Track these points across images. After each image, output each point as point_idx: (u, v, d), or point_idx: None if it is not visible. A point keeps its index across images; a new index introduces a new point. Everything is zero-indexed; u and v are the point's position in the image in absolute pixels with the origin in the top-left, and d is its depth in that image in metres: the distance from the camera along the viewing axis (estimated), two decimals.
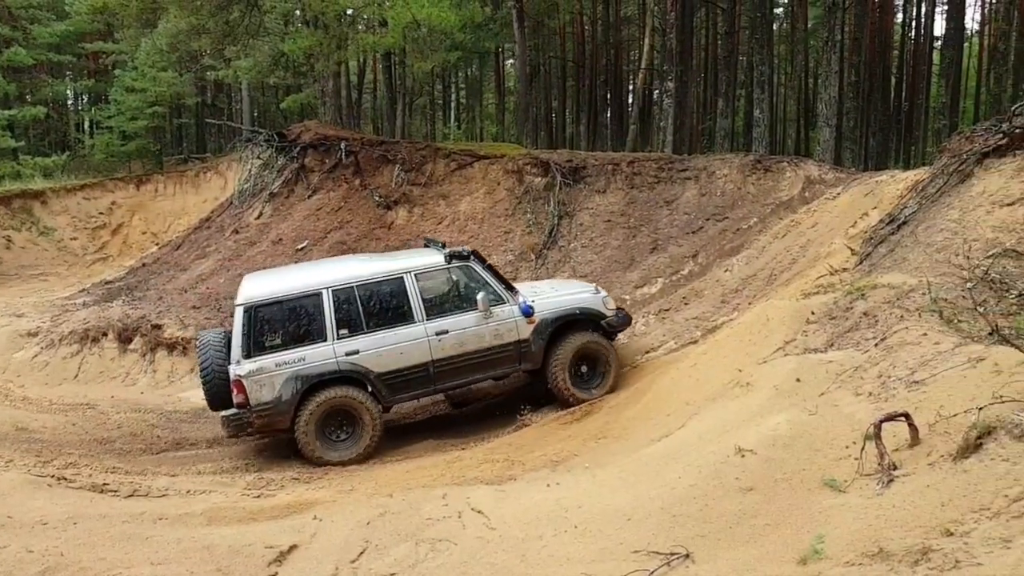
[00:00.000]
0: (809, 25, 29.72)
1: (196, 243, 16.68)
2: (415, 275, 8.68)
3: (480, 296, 8.71)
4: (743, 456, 5.00)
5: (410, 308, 8.56)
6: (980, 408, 4.12)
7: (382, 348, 8.43)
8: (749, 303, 10.36)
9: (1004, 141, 8.43)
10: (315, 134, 16.34)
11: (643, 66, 22.81)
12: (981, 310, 5.33)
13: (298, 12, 18.66)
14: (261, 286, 8.55)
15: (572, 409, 8.95)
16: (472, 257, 8.99)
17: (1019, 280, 6.86)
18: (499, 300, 8.95)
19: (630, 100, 29.36)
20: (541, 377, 9.27)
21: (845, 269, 8.85)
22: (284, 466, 8.37)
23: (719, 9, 25.03)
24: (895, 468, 4.33)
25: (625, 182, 15.12)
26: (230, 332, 8.45)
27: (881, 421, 4.54)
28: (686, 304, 11.74)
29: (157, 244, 19.34)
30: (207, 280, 14.51)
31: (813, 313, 7.40)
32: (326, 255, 13.90)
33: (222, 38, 17.99)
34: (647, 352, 10.41)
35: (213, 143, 30.56)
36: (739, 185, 14.57)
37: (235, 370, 8.12)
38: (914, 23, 30.75)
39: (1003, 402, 4.13)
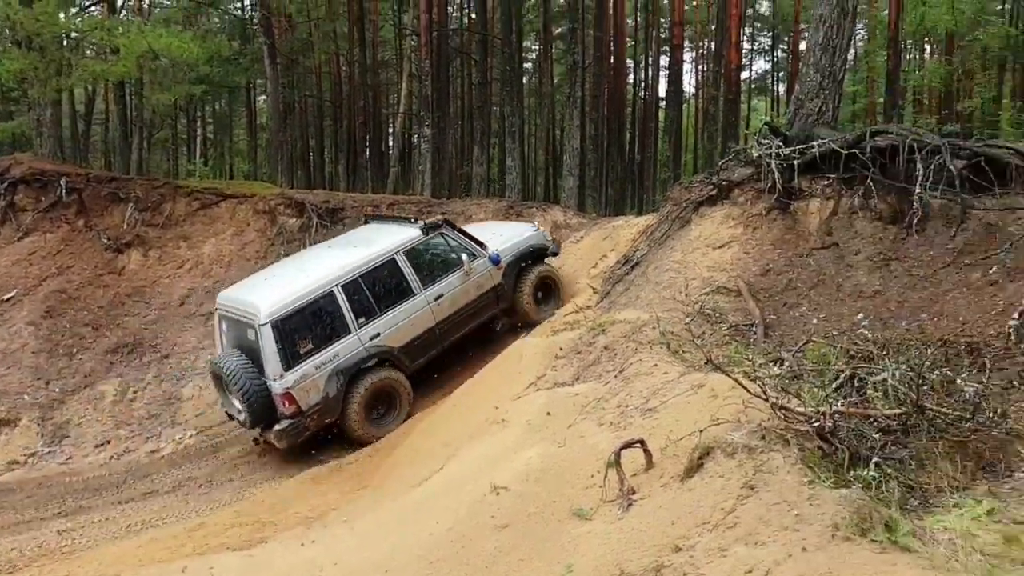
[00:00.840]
0: (554, 81, 32.10)
1: None
2: (404, 252, 9.40)
3: (464, 258, 9.76)
4: (498, 493, 5.07)
5: (408, 283, 9.36)
6: (701, 431, 4.54)
7: (397, 325, 9.19)
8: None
9: (714, 192, 9.64)
10: (29, 168, 14.34)
11: (401, 110, 23.12)
12: (700, 342, 5.93)
13: (7, 31, 16.52)
14: (271, 300, 8.64)
15: (333, 462, 8.65)
16: (444, 224, 9.95)
17: (729, 313, 7.79)
18: (474, 256, 9.94)
19: (390, 142, 29.58)
20: (510, 310, 10.41)
21: (589, 307, 9.48)
22: None
23: (473, 60, 26.18)
24: (634, 492, 4.63)
25: None
26: (243, 351, 8.62)
27: (620, 449, 4.84)
28: None
29: None
30: None
31: (561, 349, 7.82)
32: (40, 306, 12.25)
33: None
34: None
35: None
36: None
37: (281, 385, 8.41)
38: (643, 84, 34.51)
39: (719, 424, 4.59)
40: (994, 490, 3.97)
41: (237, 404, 8.79)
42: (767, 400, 4.45)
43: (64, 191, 13.88)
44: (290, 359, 8.46)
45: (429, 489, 6.04)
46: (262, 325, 8.35)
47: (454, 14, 28.93)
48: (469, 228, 11.07)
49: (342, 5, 25.66)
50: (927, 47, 27.06)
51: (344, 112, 28.89)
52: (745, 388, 4.66)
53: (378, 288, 9.15)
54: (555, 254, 11.18)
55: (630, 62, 33.88)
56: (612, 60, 28.54)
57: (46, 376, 11.46)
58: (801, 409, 4.34)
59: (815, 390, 4.85)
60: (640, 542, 4.11)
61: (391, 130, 30.55)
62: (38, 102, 15.46)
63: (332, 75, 29.36)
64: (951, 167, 7.61)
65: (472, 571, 4.53)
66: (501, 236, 10.66)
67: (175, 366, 11.96)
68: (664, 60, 32.44)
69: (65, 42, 16.35)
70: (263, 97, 30.91)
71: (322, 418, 8.74)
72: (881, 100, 21.83)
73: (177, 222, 14.14)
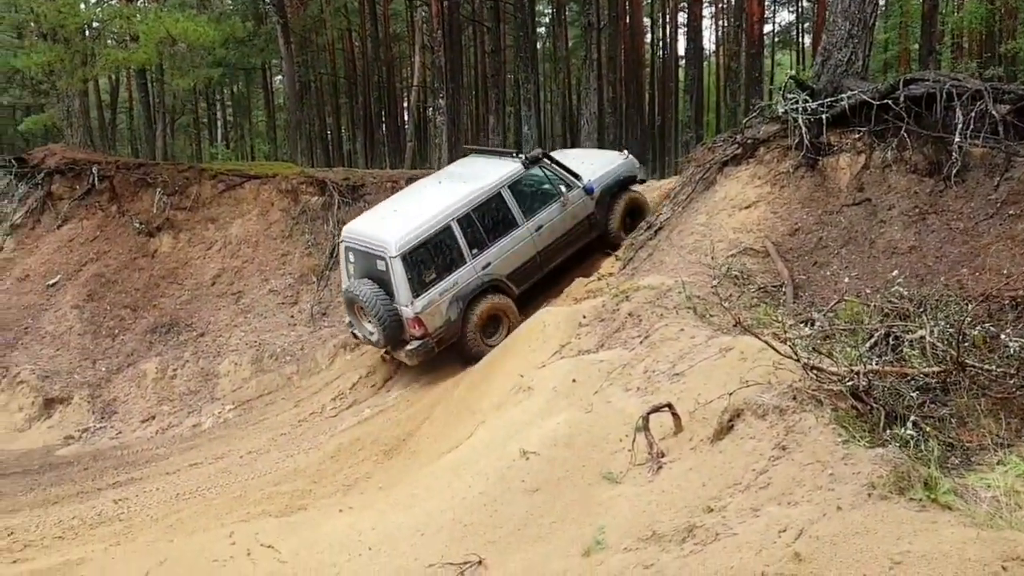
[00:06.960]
0: (569, 44, 31.63)
1: None
2: (508, 186, 9.91)
3: (563, 189, 10.27)
4: (528, 459, 5.14)
5: (513, 215, 9.90)
6: (730, 393, 4.55)
7: (504, 255, 9.82)
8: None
9: (739, 151, 9.48)
10: (62, 158, 14.56)
11: (415, 83, 23.01)
12: (728, 305, 5.90)
13: (32, 24, 16.65)
14: (398, 234, 9.27)
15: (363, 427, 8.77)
16: (543, 157, 10.34)
17: (757, 275, 7.73)
18: (570, 187, 10.36)
19: (405, 117, 29.47)
20: (602, 234, 10.79)
21: (611, 274, 9.47)
22: (43, 521, 7.40)
23: (485, 28, 25.90)
24: (663, 455, 4.67)
25: None
26: (373, 280, 9.44)
27: (648, 413, 4.88)
28: None
29: None
30: None
31: (584, 317, 7.83)
32: (82, 289, 12.62)
33: None
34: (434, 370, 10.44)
35: None
36: None
37: (411, 310, 9.23)
38: (661, 43, 33.86)
39: (748, 386, 4.59)
40: None
41: (369, 327, 9.65)
42: (798, 361, 4.44)
43: (96, 179, 14.13)
44: (418, 287, 9.27)
45: (460, 455, 6.11)
46: (393, 258, 9.14)
47: None
48: (562, 157, 11.24)
49: None
50: None
51: (359, 88, 28.80)
52: (775, 349, 4.65)
53: (487, 220, 9.78)
54: (643, 181, 11.79)
55: (647, 20, 33.23)
56: (628, 19, 28.01)
57: (92, 356, 11.89)
58: (834, 369, 4.31)
59: (848, 350, 4.81)
60: (671, 503, 4.15)
61: (406, 104, 30.44)
62: (66, 93, 15.73)
63: (345, 51, 29.22)
64: (994, 113, 7.30)
65: (505, 534, 4.61)
66: (593, 165, 11.00)
67: (210, 344, 12.27)
68: (682, 17, 31.75)
69: (87, 32, 16.49)
70: (279, 77, 30.89)
71: (446, 338, 9.56)
72: (916, 46, 20.91)
73: (204, 204, 14.32)
